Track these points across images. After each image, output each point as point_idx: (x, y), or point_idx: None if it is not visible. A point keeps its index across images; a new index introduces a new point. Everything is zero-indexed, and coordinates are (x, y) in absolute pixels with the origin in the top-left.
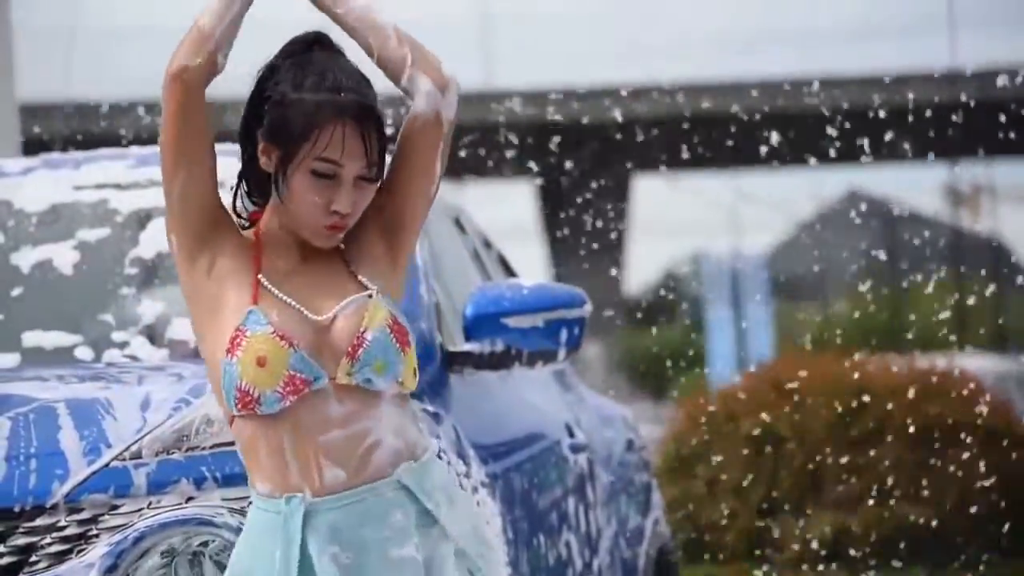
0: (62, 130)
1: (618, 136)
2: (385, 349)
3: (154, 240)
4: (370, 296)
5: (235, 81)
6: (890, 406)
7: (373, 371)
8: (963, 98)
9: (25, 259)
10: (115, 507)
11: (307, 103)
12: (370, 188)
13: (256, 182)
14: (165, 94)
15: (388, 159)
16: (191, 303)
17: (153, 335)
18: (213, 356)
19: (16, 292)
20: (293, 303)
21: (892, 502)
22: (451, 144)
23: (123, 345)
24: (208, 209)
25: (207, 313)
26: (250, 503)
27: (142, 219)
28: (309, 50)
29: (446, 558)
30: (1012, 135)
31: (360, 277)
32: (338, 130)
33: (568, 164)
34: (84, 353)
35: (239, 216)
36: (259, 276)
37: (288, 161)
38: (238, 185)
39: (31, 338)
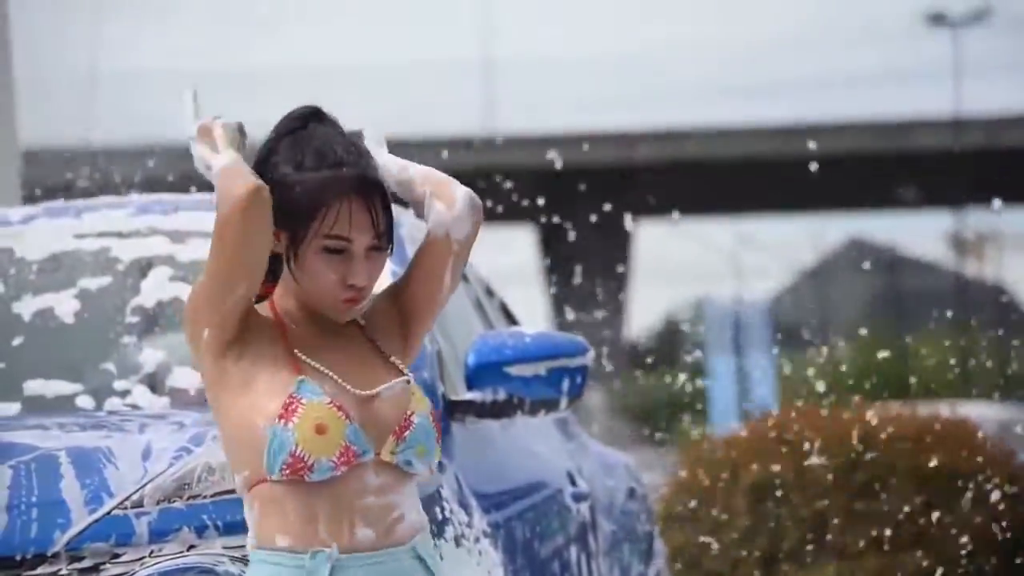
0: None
1: (620, 181)
2: (428, 435)
3: (155, 288)
4: (408, 381)
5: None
6: (893, 455)
7: (415, 454)
8: (968, 146)
9: (26, 308)
10: (116, 556)
11: (310, 182)
12: (381, 257)
13: (268, 261)
14: (243, 212)
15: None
16: (215, 384)
17: (154, 383)
18: (246, 424)
19: (17, 341)
20: (336, 377)
21: (896, 551)
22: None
23: (124, 394)
24: (248, 309)
25: (237, 388)
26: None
27: (143, 267)
28: (305, 126)
29: None
30: (1017, 182)
31: (392, 358)
32: (344, 206)
33: (569, 209)
34: (85, 402)
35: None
36: (295, 351)
37: (298, 242)
38: None
39: (32, 387)
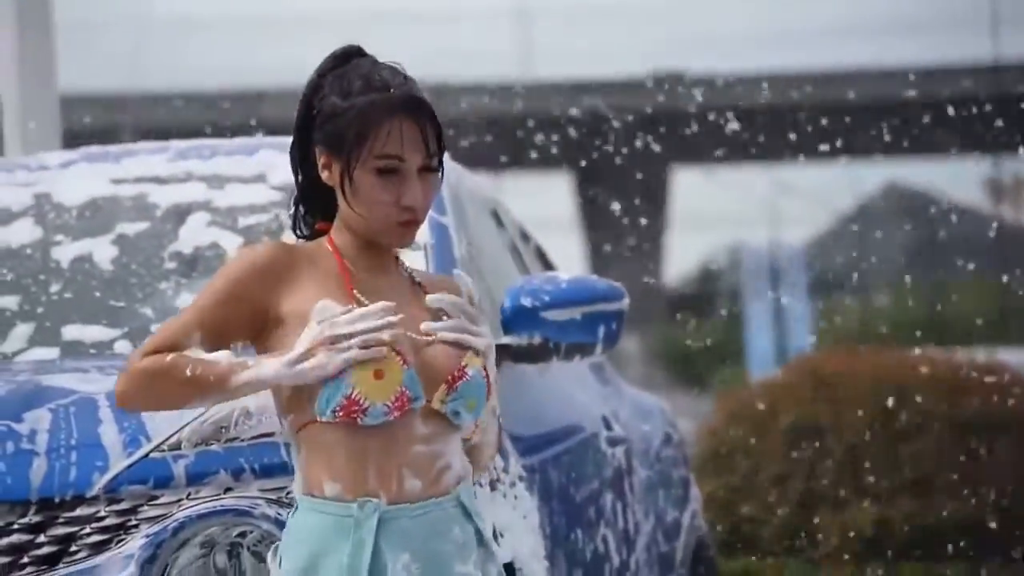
0: (132, 121)
1: (657, 129)
2: (479, 390)
3: (193, 234)
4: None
5: (271, 73)
6: (930, 399)
7: (465, 406)
8: (1005, 92)
9: (64, 253)
10: (154, 498)
11: (360, 106)
12: (434, 178)
13: (320, 201)
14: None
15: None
16: (262, 345)
17: None
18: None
19: (56, 286)
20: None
21: (932, 496)
22: (489, 135)
23: None
24: (251, 327)
25: (291, 327)
26: (289, 494)
27: (181, 213)
28: (347, 62)
29: (491, 571)
30: None
31: (444, 316)
32: (395, 126)
33: (606, 156)
34: (124, 347)
35: (301, 236)
36: (354, 291)
37: (352, 167)
38: (295, 212)
39: (71, 332)
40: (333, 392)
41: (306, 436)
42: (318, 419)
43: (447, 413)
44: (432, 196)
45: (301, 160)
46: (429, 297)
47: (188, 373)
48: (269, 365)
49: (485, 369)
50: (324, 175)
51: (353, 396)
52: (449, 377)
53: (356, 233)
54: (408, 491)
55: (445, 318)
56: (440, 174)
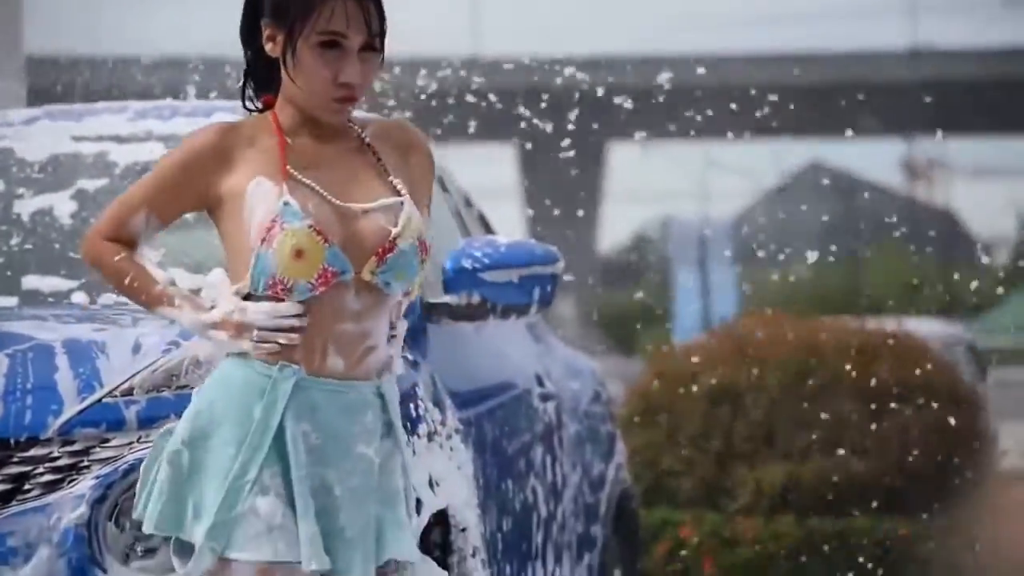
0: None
1: (595, 105)
2: (410, 260)
3: None
4: (402, 203)
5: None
6: (842, 365)
7: (395, 277)
8: (921, 78)
9: (26, 207)
10: (106, 441)
11: None
12: (375, 59)
13: (265, 76)
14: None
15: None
16: (213, 217)
17: None
18: (239, 242)
19: (16, 238)
20: (325, 193)
21: (841, 455)
22: (438, 107)
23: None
24: (194, 206)
25: (232, 209)
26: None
27: (139, 171)
28: None
29: (395, 467)
30: (967, 114)
31: (392, 179)
32: (339, 3)
33: (547, 130)
34: (80, 298)
35: (251, 110)
36: (287, 167)
37: (295, 39)
38: (244, 85)
39: (30, 282)
40: (261, 271)
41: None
42: (255, 293)
43: (378, 284)
44: (372, 76)
45: (249, 34)
46: None
47: (126, 282)
48: (188, 316)
49: (421, 232)
50: (268, 47)
51: (277, 276)
52: (379, 250)
53: (296, 108)
54: (330, 367)
55: (394, 180)
56: (381, 57)
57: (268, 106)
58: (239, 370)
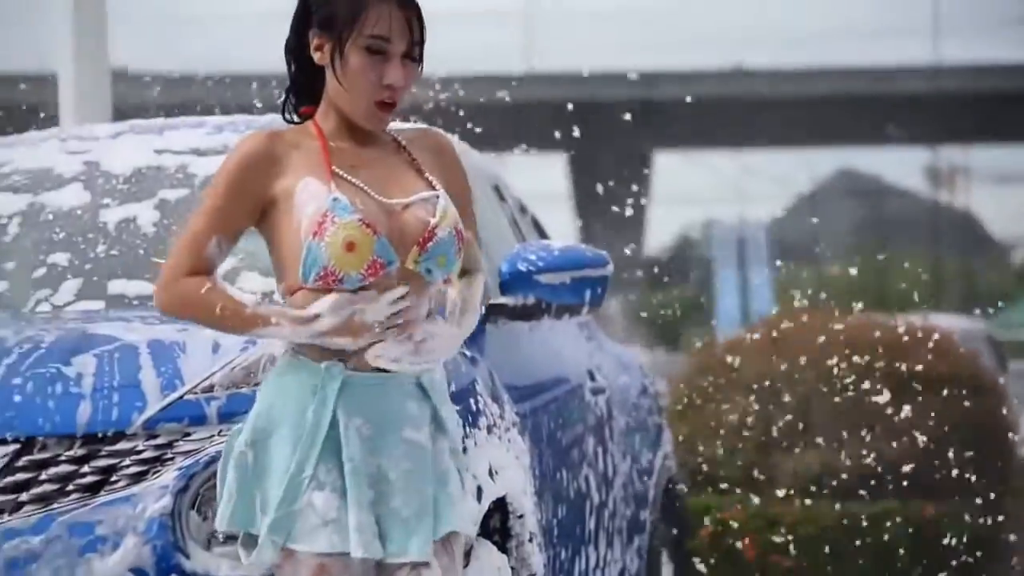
0: (156, 98)
1: (641, 117)
2: (448, 248)
3: None
4: (438, 196)
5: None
6: (873, 358)
7: (436, 264)
8: (944, 91)
9: (111, 216)
10: (188, 434)
11: None
12: (414, 68)
13: (307, 88)
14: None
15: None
16: (263, 226)
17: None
18: (289, 239)
19: (103, 246)
20: (369, 190)
21: (872, 442)
22: (493, 121)
23: None
24: (254, 216)
25: (282, 208)
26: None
27: None
28: None
29: (443, 451)
30: (987, 124)
31: (427, 174)
32: (384, 10)
33: (596, 141)
34: None
35: (290, 121)
36: (333, 167)
37: (343, 44)
38: (286, 98)
39: (115, 287)
40: (312, 263)
41: (294, 301)
42: (304, 285)
43: (421, 271)
44: (411, 82)
45: (295, 49)
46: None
47: (217, 312)
48: (291, 330)
49: (457, 221)
50: (316, 56)
51: (329, 267)
52: (420, 239)
53: (340, 112)
54: (369, 361)
55: (429, 176)
56: (420, 66)
57: (307, 117)
58: (291, 372)
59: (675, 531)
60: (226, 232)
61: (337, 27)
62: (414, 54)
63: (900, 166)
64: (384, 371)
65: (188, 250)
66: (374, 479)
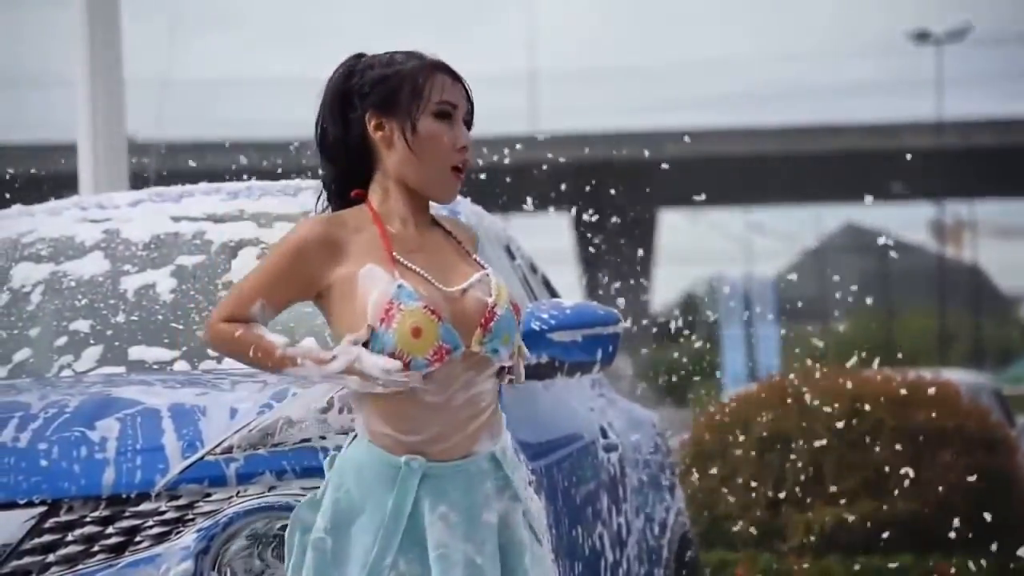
0: (158, 166)
1: (646, 175)
2: (510, 324)
3: (244, 266)
4: (488, 274)
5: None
6: (882, 412)
7: (501, 343)
8: (948, 146)
9: (130, 283)
10: (208, 495)
11: (410, 67)
12: (467, 131)
13: (353, 172)
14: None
15: None
16: (320, 302)
17: None
18: (351, 321)
19: (122, 312)
20: (431, 278)
21: (884, 496)
22: (499, 182)
23: (220, 359)
24: (304, 294)
25: (344, 295)
26: (355, 437)
27: (234, 248)
28: (363, 56)
29: (515, 515)
30: (991, 178)
31: (474, 256)
32: (443, 79)
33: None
34: (182, 366)
35: (337, 204)
36: (394, 254)
37: (414, 116)
38: (327, 189)
39: (136, 352)
40: (380, 350)
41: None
42: None
43: (487, 352)
44: (470, 146)
45: (335, 137)
46: None
47: (251, 354)
48: (313, 370)
49: (512, 302)
50: (377, 136)
51: (397, 353)
52: (482, 320)
53: (404, 190)
54: (449, 447)
55: (477, 259)
56: (470, 128)
57: (357, 199)
58: (368, 459)
59: None
60: (272, 301)
61: (402, 102)
62: (469, 118)
63: (906, 221)
64: (467, 455)
65: (234, 302)
66: (462, 564)
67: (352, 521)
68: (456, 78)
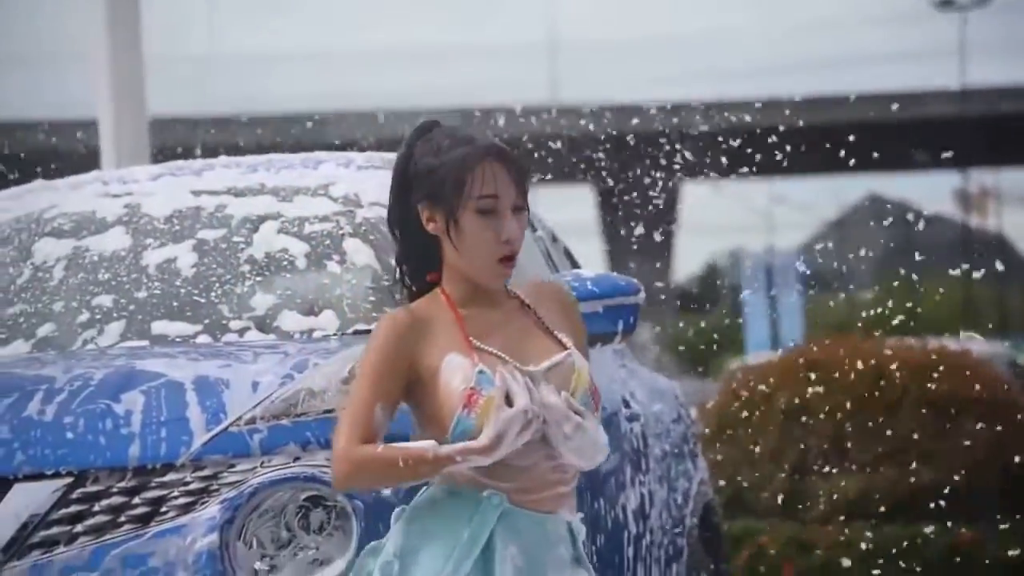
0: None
1: (668, 147)
2: (587, 406)
3: (265, 240)
4: (569, 354)
5: (332, 99)
6: (905, 381)
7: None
8: (972, 113)
9: (152, 258)
10: (232, 466)
11: (453, 158)
12: (523, 217)
13: (424, 253)
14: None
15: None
16: (408, 387)
17: (263, 325)
18: (435, 414)
19: (144, 287)
20: (509, 359)
21: (907, 465)
22: (523, 154)
23: (240, 333)
24: (408, 384)
25: (427, 381)
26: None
27: (255, 222)
28: (427, 132)
29: None
30: (1016, 146)
31: (556, 332)
32: (486, 169)
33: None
34: (204, 340)
35: (409, 292)
36: (470, 339)
37: (455, 211)
38: (399, 274)
39: (158, 327)
40: (461, 435)
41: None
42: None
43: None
44: (523, 233)
45: (402, 222)
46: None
47: (401, 464)
48: (478, 460)
49: (591, 383)
50: (430, 227)
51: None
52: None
53: (463, 277)
54: (531, 500)
55: (558, 334)
56: (527, 211)
57: (433, 283)
58: (447, 495)
59: (712, 557)
60: (387, 400)
61: (445, 196)
62: (522, 204)
63: (929, 190)
64: (546, 512)
65: (353, 421)
66: None
67: (423, 547)
68: (506, 161)
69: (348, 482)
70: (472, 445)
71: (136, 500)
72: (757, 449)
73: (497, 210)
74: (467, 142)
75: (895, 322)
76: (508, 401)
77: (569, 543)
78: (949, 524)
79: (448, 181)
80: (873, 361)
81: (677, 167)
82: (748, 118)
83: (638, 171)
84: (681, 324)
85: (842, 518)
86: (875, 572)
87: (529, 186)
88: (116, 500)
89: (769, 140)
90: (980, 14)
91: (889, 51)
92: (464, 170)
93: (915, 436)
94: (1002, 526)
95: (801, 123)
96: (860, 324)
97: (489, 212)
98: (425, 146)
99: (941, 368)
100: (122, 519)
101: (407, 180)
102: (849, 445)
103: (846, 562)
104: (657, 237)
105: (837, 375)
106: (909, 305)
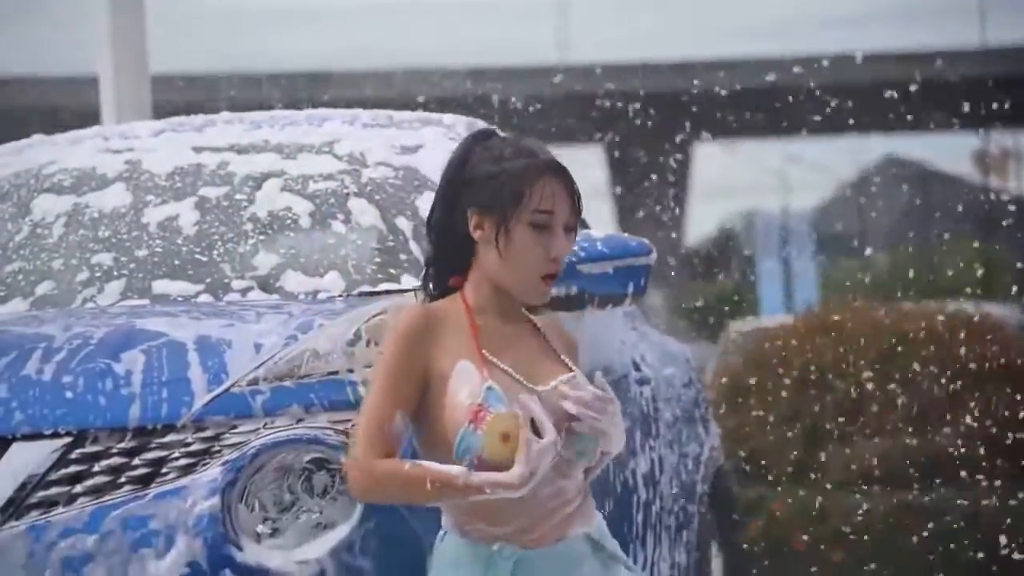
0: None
1: (680, 107)
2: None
3: (268, 199)
4: (574, 376)
5: (335, 56)
6: (923, 346)
7: (586, 448)
8: (991, 73)
9: (153, 215)
10: (234, 427)
11: (514, 168)
12: (571, 238)
13: (456, 258)
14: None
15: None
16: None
17: (266, 285)
18: (440, 426)
19: (145, 245)
20: (520, 378)
21: (924, 430)
22: (529, 115)
23: (243, 292)
24: (422, 382)
25: (436, 388)
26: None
27: (258, 180)
28: (487, 139)
29: None
30: None
31: (562, 356)
32: (547, 184)
33: (635, 132)
34: (206, 299)
35: (431, 292)
36: (483, 351)
37: (508, 221)
38: (426, 272)
39: (159, 286)
40: (466, 450)
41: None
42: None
43: (573, 457)
44: (570, 251)
45: (445, 223)
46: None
47: (428, 486)
48: (506, 492)
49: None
50: (476, 234)
51: (484, 456)
52: (567, 427)
53: (497, 287)
54: (541, 535)
55: (564, 359)
56: (576, 232)
57: (455, 287)
58: (459, 552)
59: (724, 524)
60: (406, 407)
61: (501, 205)
62: (573, 223)
63: (947, 152)
64: (559, 540)
65: (375, 431)
66: None
67: None
68: (565, 180)
69: (367, 496)
70: (503, 479)
71: (136, 461)
72: (772, 414)
73: (550, 226)
74: (529, 154)
75: (912, 286)
76: (506, 438)
77: (591, 555)
78: (966, 491)
79: (506, 190)
80: (889, 325)
81: (690, 127)
82: (762, 77)
83: (649, 132)
84: (693, 287)
85: (857, 485)
86: (891, 538)
87: (582, 206)
88: (116, 461)
89: (784, 99)
90: None
91: (907, 9)
92: (524, 182)
93: (932, 402)
94: (1022, 492)
95: (817, 82)
96: (876, 288)
97: (542, 227)
98: (486, 153)
99: (960, 332)
100: (122, 480)
101: (460, 183)
102: (865, 411)
103: (860, 530)
104: (669, 198)
105: (852, 340)
106: (926, 268)
